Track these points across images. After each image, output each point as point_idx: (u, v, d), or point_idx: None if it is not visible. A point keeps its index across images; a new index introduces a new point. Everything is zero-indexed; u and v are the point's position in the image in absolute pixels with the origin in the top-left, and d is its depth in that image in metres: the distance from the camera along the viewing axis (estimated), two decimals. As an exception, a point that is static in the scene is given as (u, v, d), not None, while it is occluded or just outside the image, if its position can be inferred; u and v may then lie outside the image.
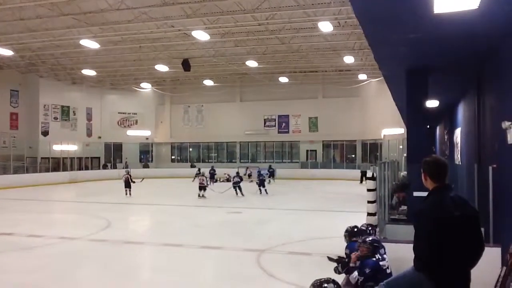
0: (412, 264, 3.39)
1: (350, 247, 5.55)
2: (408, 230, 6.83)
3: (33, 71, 32.23)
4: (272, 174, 31.21)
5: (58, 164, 32.65)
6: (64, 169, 32.00)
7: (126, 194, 21.06)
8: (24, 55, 27.44)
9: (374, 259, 4.97)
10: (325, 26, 19.44)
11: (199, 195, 20.46)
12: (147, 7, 18.55)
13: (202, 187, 20.62)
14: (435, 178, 3.31)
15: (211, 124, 39.74)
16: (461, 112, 12.64)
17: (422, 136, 9.27)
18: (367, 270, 4.84)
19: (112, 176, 33.58)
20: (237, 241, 10.90)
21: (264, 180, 23.09)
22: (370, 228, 6.08)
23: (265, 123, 38.86)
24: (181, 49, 25.75)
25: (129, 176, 21.33)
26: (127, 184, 21.12)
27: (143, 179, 22.35)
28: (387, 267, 4.99)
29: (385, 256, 5.11)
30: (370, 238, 5.26)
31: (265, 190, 22.38)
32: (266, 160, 38.49)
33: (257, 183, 23.12)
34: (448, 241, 3.10)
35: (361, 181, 28.87)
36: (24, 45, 24.47)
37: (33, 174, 29.10)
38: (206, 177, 21.11)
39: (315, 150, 37.62)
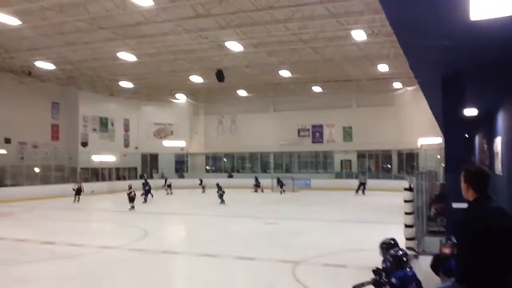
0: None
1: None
2: (447, 243, 6.64)
3: (72, 84, 33.27)
4: (281, 185, 30.75)
5: (97, 174, 33.47)
6: (103, 179, 32.76)
7: (74, 201, 23.80)
8: (64, 68, 28.39)
9: (403, 270, 4.95)
10: (359, 35, 19.32)
11: (132, 207, 20.37)
12: (182, 19, 18.91)
13: (132, 199, 20.57)
14: (477, 188, 3.22)
15: (245, 134, 39.91)
16: (501, 120, 12.24)
17: (461, 145, 9.04)
18: (394, 281, 4.85)
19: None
20: (272, 252, 10.86)
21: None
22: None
23: (299, 133, 38.74)
24: (215, 60, 26.08)
25: (81, 186, 24.82)
26: (78, 192, 24.22)
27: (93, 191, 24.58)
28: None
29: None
30: (398, 253, 5.21)
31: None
32: (300, 170, 38.31)
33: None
34: (488, 253, 3.01)
35: (357, 191, 28.45)
36: (64, 58, 25.34)
37: (73, 184, 29.89)
38: (134, 189, 21.29)
39: (350, 160, 37.17)
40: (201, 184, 31.88)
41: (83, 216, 19.35)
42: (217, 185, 23.74)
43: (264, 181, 32.19)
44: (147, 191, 24.03)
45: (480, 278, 3.03)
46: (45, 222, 16.87)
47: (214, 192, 23.60)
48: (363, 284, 5.29)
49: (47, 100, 32.83)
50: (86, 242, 12.20)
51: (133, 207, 20.44)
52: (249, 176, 37.82)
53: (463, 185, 3.29)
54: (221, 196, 22.71)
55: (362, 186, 28.80)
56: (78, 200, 23.89)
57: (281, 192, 30.07)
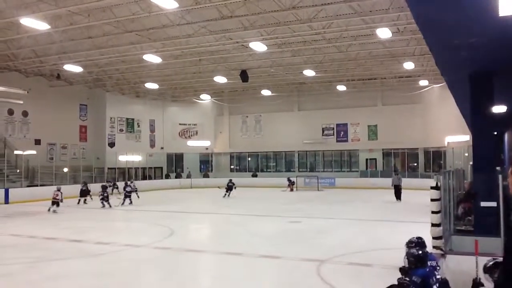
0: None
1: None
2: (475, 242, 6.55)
3: (100, 86, 33.95)
4: (231, 188, 27.07)
5: (123, 174, 34.03)
6: (129, 179, 33.27)
7: (79, 202, 23.06)
8: (92, 71, 28.98)
9: (423, 268, 4.98)
10: (384, 33, 19.12)
11: (49, 209, 19.80)
12: (206, 21, 19.08)
13: (55, 202, 19.88)
14: None
15: (269, 133, 39.96)
16: (532, 117, 11.97)
17: (489, 143, 8.89)
18: (415, 278, 4.90)
19: (174, 186, 34.64)
20: (296, 250, 10.86)
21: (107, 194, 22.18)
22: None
23: (323, 132, 38.55)
24: (239, 60, 26.21)
25: (87, 186, 23.83)
26: (84, 193, 23.40)
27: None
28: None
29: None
30: (417, 252, 5.20)
31: (108, 204, 21.67)
32: (325, 169, 38.13)
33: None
34: None
35: (397, 198, 23.05)
36: (92, 61, 25.85)
37: (100, 184, 30.45)
38: (61, 193, 20.37)
39: (375, 159, 36.83)
40: (113, 186, 27.87)
41: (110, 215, 19.70)
42: (102, 186, 22.97)
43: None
44: (104, 197, 22.17)
45: None
46: (74, 221, 17.25)
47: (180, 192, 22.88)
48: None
49: (75, 102, 33.65)
50: (113, 240, 12.44)
51: (54, 211, 19.76)
52: (273, 175, 37.97)
53: None
54: (105, 199, 21.76)
55: (397, 190, 23.28)
56: (84, 202, 23.15)
57: (226, 195, 26.66)
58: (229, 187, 27.12)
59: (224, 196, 26.53)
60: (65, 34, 20.79)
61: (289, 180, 31.78)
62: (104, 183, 25.03)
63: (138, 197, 25.27)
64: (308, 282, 8.12)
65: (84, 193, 23.53)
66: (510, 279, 2.80)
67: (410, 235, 5.97)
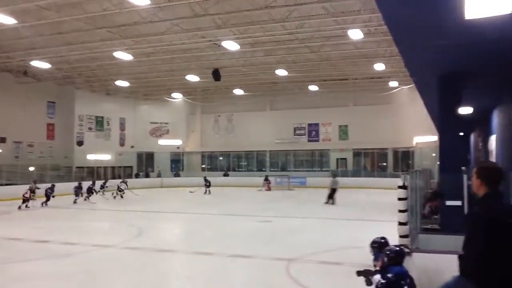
0: (450, 274, 3.31)
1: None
2: (441, 240, 6.71)
3: (69, 83, 33.22)
4: (208, 185, 28.74)
5: (92, 173, 33.41)
6: (98, 178, 32.67)
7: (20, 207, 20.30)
8: (61, 68, 28.33)
9: (400, 266, 4.95)
10: (355, 34, 19.36)
11: (19, 207, 19.77)
12: (178, 18, 18.91)
13: (26, 200, 19.98)
14: (490, 184, 3.24)
15: (241, 133, 39.94)
16: (496, 118, 12.33)
17: (456, 144, 9.09)
18: (390, 275, 4.83)
19: (144, 185, 34.17)
20: (267, 250, 10.88)
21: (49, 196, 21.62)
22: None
23: (295, 131, 38.79)
24: (211, 59, 26.07)
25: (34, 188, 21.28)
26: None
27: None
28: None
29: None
30: (396, 248, 5.21)
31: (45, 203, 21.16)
32: (296, 169, 38.36)
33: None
34: (500, 247, 3.01)
35: (328, 201, 21.61)
36: (61, 58, 25.27)
37: (68, 183, 29.79)
38: (30, 191, 20.34)
39: (345, 159, 37.26)
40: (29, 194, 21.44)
41: (78, 215, 19.33)
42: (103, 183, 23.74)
43: (260, 179, 32.29)
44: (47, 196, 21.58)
45: (489, 273, 3.02)
46: (40, 221, 16.82)
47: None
48: (366, 272, 5.29)
49: (43, 99, 32.84)
50: (81, 241, 12.18)
51: (26, 206, 19.80)
52: (245, 174, 37.98)
53: (475, 181, 3.30)
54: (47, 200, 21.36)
55: (332, 193, 21.80)
56: (26, 206, 20.38)
57: (206, 191, 28.37)
58: (209, 185, 28.54)
59: (205, 193, 28.03)
60: (34, 29, 20.24)
61: (266, 178, 31.79)
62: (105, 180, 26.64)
63: (118, 196, 25.60)
64: (279, 281, 8.14)
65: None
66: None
67: (379, 234, 6.05)
